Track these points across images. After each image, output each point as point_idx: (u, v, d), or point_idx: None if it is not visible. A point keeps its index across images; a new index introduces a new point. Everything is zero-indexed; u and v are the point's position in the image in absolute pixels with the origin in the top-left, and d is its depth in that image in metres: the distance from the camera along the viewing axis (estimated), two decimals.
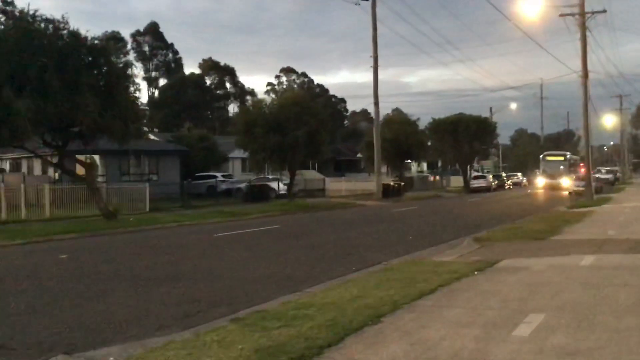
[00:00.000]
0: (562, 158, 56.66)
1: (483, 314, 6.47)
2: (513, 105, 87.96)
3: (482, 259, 11.00)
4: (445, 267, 9.98)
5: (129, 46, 70.65)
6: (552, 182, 52.57)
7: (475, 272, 9.23)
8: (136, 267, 11.54)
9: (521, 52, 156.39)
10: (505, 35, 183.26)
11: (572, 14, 33.16)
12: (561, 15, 33.55)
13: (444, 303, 7.16)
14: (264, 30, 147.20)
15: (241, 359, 5.01)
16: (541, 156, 57.47)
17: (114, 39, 39.46)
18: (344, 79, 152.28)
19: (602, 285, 7.90)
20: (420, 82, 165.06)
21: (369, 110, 68.23)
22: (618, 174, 79.59)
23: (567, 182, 49.58)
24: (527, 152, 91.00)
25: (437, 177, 65.58)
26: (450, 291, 7.86)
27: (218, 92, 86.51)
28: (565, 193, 40.33)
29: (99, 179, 29.96)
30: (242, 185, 38.70)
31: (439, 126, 56.35)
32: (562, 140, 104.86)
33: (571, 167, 55.31)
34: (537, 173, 62.83)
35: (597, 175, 57.93)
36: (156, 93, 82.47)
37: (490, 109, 72.86)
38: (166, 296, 8.70)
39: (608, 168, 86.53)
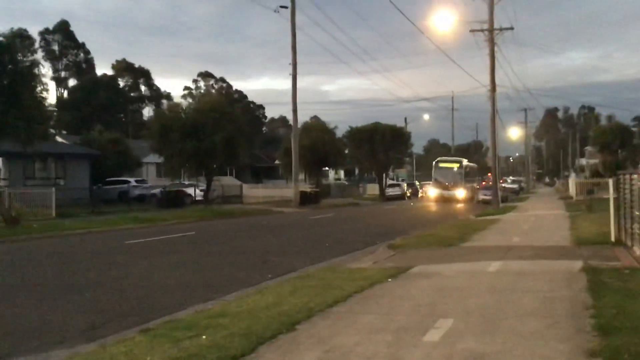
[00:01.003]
0: (456, 165, 49.26)
1: (395, 320, 6.58)
2: (426, 116, 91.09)
3: (396, 265, 11.22)
4: (359, 273, 10.10)
5: (36, 44, 67.34)
6: (445, 193, 46.46)
7: (389, 279, 9.39)
8: (39, 276, 10.93)
9: (435, 65, 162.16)
10: (420, 48, 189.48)
11: (482, 30, 34.70)
12: (471, 30, 35.07)
13: (358, 309, 7.23)
14: (182, 33, 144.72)
15: None
16: (434, 162, 50.70)
17: (21, 36, 37.44)
18: (265, 85, 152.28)
19: (508, 290, 8.24)
20: (339, 91, 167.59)
21: (287, 117, 68.48)
22: (523, 184, 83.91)
23: (461, 193, 46.16)
24: None
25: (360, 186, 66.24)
26: (364, 297, 7.94)
27: (132, 94, 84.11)
28: (460, 205, 38.87)
29: (1, 183, 28.28)
30: (157, 191, 37.69)
31: (356, 134, 57.32)
32: (472, 150, 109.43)
33: (467, 176, 49.93)
34: (429, 183, 54.74)
35: (503, 185, 60.67)
36: (65, 94, 79.09)
37: (405, 119, 75.03)
38: (71, 307, 8.28)
39: (513, 178, 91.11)
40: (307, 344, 5.66)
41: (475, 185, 54.23)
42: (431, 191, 48.79)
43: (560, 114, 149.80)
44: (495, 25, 34.71)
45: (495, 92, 35.97)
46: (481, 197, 45.30)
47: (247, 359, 5.21)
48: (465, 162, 51.11)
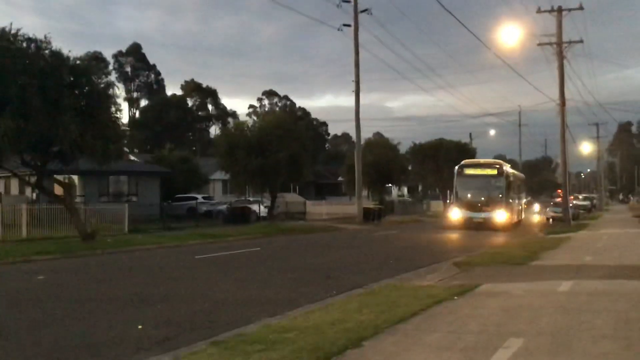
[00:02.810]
0: (493, 172, 32.52)
1: (463, 339, 6.51)
2: (492, 132, 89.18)
3: (462, 283, 11.07)
4: (425, 291, 10.03)
5: (110, 66, 70.61)
6: (475, 215, 31.34)
7: (455, 297, 9.29)
8: (114, 289, 11.40)
9: (501, 80, 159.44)
10: (486, 63, 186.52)
11: (550, 43, 33.96)
12: (539, 44, 34.36)
13: (424, 327, 7.19)
14: (250, 54, 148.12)
15: None
16: (456, 168, 33.86)
17: (96, 59, 39.29)
18: (328, 102, 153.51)
19: (580, 310, 8.00)
20: (403, 107, 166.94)
21: (350, 134, 68.67)
22: (595, 201, 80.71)
23: (501, 216, 30.93)
24: None
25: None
26: (430, 315, 7.89)
27: (200, 113, 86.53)
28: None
29: (78, 200, 29.63)
30: (223, 207, 38.52)
31: (420, 151, 56.87)
32: (540, 167, 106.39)
33: (510, 189, 33.27)
34: (449, 199, 42.44)
35: (574, 202, 58.55)
36: (137, 114, 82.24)
37: (470, 134, 73.84)
38: (145, 318, 8.60)
39: (585, 195, 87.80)
40: None
41: (521, 203, 40.37)
42: (454, 212, 32.63)
43: (634, 129, 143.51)
44: (564, 39, 33.91)
45: (565, 106, 35.04)
46: (550, 214, 43.92)
47: None
48: (507, 167, 34.51)
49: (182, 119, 78.08)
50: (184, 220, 33.88)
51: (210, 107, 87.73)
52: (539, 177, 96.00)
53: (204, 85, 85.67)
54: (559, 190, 51.64)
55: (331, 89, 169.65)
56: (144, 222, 29.23)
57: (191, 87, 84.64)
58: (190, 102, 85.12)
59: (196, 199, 40.58)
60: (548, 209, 47.30)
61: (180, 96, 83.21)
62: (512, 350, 5.93)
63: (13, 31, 18.75)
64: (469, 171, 32.93)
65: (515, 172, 39.74)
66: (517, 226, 34.48)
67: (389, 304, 8.63)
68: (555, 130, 40.17)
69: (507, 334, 6.68)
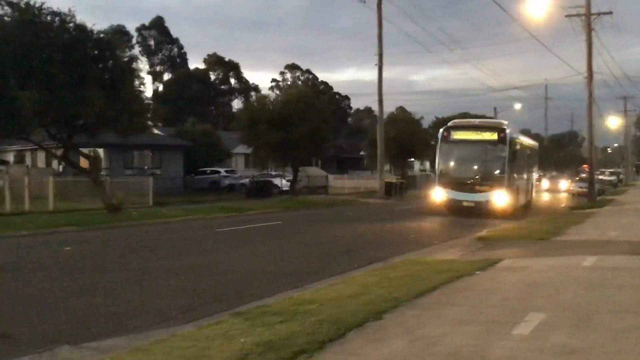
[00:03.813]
0: (491, 137, 23.28)
1: (484, 312, 6.52)
2: (517, 105, 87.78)
3: (484, 258, 11.04)
4: (446, 265, 10.03)
5: (134, 40, 70.77)
6: (464, 197, 22.97)
7: (477, 271, 9.28)
8: (139, 260, 11.60)
9: (527, 53, 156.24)
10: (511, 35, 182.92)
11: (578, 15, 33.14)
12: (567, 15, 33.57)
13: (445, 301, 7.21)
14: (272, 27, 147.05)
15: (243, 352, 5.06)
16: (441, 131, 24.80)
17: (120, 32, 39.39)
18: (351, 76, 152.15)
19: (603, 285, 7.94)
20: (427, 81, 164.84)
21: (373, 108, 68.13)
22: (621, 176, 79.45)
23: (501, 199, 22.42)
24: None
25: None
26: (451, 289, 7.90)
27: (222, 87, 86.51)
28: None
29: (103, 173, 30.02)
30: (245, 181, 38.75)
31: (443, 125, 56.28)
32: (566, 141, 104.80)
33: (515, 159, 24.15)
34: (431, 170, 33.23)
35: (600, 177, 57.66)
36: (160, 87, 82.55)
37: (495, 108, 72.73)
38: (169, 289, 8.76)
39: (611, 170, 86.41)
40: (394, 333, 5.73)
41: (532, 180, 31.03)
42: (436, 193, 23.88)
43: None
44: (593, 10, 33.05)
45: (592, 79, 34.29)
46: (576, 189, 43.37)
47: (335, 345, 5.34)
48: (513, 131, 24.85)
49: (204, 93, 78.17)
50: (206, 194, 34.20)
51: (232, 80, 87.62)
52: (564, 152, 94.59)
53: (227, 59, 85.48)
54: (585, 165, 50.74)
55: (354, 63, 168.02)
56: (168, 195, 29.60)
57: (213, 61, 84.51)
58: (212, 76, 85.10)
59: (219, 172, 40.89)
60: (573, 184, 46.69)
61: (202, 70, 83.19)
62: (533, 324, 5.93)
63: (37, 5, 18.88)
64: (459, 135, 23.60)
65: (525, 138, 30.25)
66: (524, 211, 25.71)
67: (410, 277, 8.65)
68: (582, 104, 39.37)
69: (528, 308, 6.66)
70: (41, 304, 7.83)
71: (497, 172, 22.76)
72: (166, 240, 15.53)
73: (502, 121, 25.30)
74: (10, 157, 39.57)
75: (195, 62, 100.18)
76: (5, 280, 9.51)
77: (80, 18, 19.69)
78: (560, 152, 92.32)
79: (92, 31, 19.82)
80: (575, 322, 6.02)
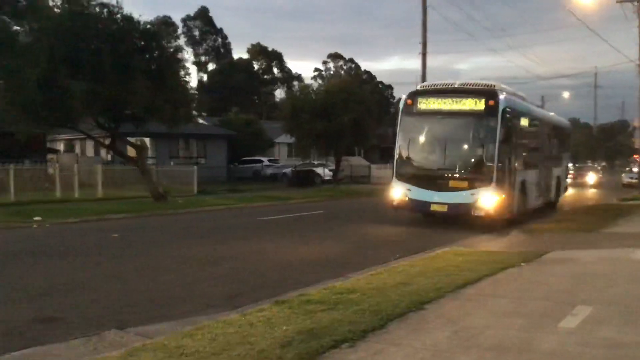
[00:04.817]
0: (474, 104, 15.12)
1: (529, 305, 6.40)
2: (565, 94, 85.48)
3: (530, 249, 10.84)
4: (490, 256, 9.88)
5: (179, 31, 71.59)
6: (431, 197, 15.21)
7: (522, 263, 9.12)
8: (185, 248, 11.80)
9: (576, 40, 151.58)
10: (559, 23, 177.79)
11: (630, 0, 31.98)
12: (619, 1, 32.42)
13: (488, 292, 7.11)
14: (315, 15, 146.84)
15: (286, 339, 5.11)
16: (403, 98, 16.54)
17: (165, 23, 39.97)
18: (394, 65, 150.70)
19: None
20: (472, 70, 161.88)
21: None
22: None
23: (492, 200, 14.54)
24: (578, 142, 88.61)
25: None
26: (495, 281, 7.79)
27: (265, 77, 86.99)
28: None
29: (149, 161, 30.65)
30: (288, 171, 38.97)
31: None
32: (616, 131, 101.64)
33: (518, 138, 16.44)
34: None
35: None
36: (204, 77, 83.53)
37: (542, 97, 70.95)
38: (213, 277, 8.90)
39: None
40: (436, 324, 5.69)
41: (556, 169, 22.00)
42: (394, 189, 16.08)
43: None
44: None
45: None
46: (626, 180, 42.04)
47: (377, 334, 5.34)
48: (503, 97, 15.16)
49: (248, 83, 78.77)
50: (249, 183, 34.55)
51: (275, 70, 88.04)
52: (613, 142, 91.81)
53: (270, 49, 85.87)
54: (636, 156, 49.12)
55: (397, 52, 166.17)
56: (211, 184, 30.01)
57: (257, 51, 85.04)
58: (256, 66, 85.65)
59: (261, 161, 41.22)
60: (623, 175, 45.24)
61: (246, 60, 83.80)
62: (580, 317, 5.79)
63: None
64: (428, 103, 15.82)
65: (539, 111, 21.20)
66: (548, 210, 19.80)
67: (453, 268, 8.56)
68: (633, 92, 37.87)
69: (575, 301, 6.51)
70: (89, 289, 8.06)
71: (484, 158, 14.86)
72: (210, 228, 15.76)
73: (494, 83, 15.85)
74: (61, 146, 40.77)
75: (239, 52, 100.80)
76: (53, 266, 9.83)
77: (126, 9, 20.10)
78: (609, 142, 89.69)
79: (138, 22, 20.19)
80: (624, 316, 5.86)
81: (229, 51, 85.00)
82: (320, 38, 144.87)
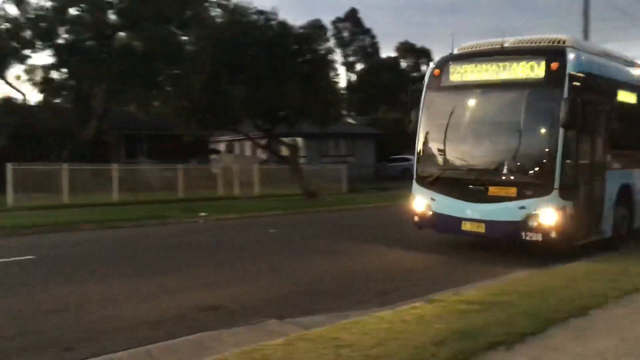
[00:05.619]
0: (529, 69, 9.81)
1: None
2: None
3: None
4: None
5: (329, 33, 73.47)
6: (465, 211, 10.06)
7: None
8: (337, 244, 12.12)
9: None
10: None
11: None
12: None
13: None
14: (465, 10, 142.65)
15: (439, 337, 5.09)
16: (431, 67, 11.57)
17: (316, 26, 41.21)
18: None
19: None
20: (637, 58, 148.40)
21: None
22: None
23: (555, 216, 9.14)
24: None
25: None
26: None
27: (413, 74, 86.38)
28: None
29: (302, 161, 31.80)
30: None
31: None
32: None
33: (617, 116, 10.99)
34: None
35: None
36: (353, 77, 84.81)
37: None
38: (364, 272, 9.06)
39: None
40: (601, 330, 5.35)
41: None
42: (416, 200, 10.95)
43: None
44: None
45: None
46: None
47: (536, 338, 5.14)
48: (574, 55, 9.62)
49: (395, 81, 78.71)
50: (397, 181, 34.51)
51: (423, 68, 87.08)
52: None
53: (418, 46, 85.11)
54: None
55: None
56: (359, 182, 30.40)
57: (405, 48, 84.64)
58: (403, 64, 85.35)
59: (410, 160, 41.02)
60: None
61: (393, 58, 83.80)
62: None
63: (245, 5, 20.54)
64: (462, 74, 10.84)
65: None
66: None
67: (620, 272, 7.96)
68: None
69: None
70: (249, 280, 8.58)
71: (542, 150, 9.79)
72: (361, 225, 16.01)
73: (565, 37, 10.26)
74: (222, 147, 43.60)
75: (387, 51, 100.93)
76: (218, 258, 10.60)
77: (281, 15, 21.09)
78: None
79: (292, 27, 21.06)
80: None
81: (376, 50, 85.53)
82: (471, 32, 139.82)
